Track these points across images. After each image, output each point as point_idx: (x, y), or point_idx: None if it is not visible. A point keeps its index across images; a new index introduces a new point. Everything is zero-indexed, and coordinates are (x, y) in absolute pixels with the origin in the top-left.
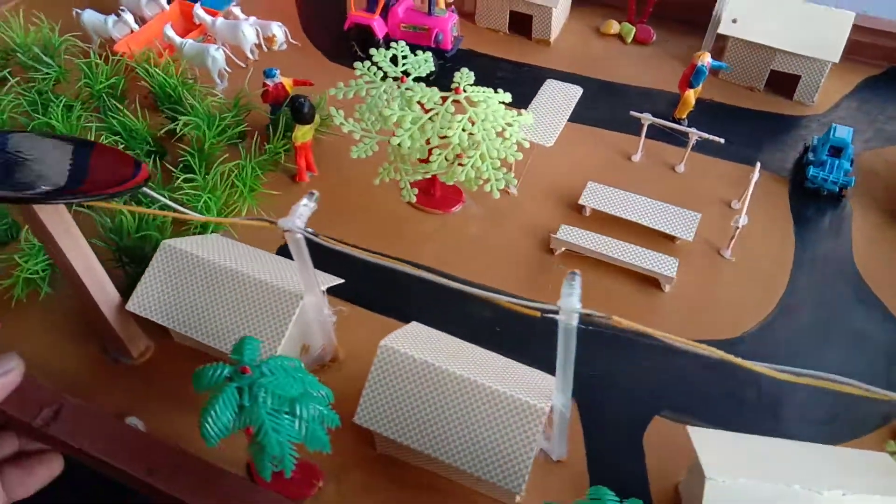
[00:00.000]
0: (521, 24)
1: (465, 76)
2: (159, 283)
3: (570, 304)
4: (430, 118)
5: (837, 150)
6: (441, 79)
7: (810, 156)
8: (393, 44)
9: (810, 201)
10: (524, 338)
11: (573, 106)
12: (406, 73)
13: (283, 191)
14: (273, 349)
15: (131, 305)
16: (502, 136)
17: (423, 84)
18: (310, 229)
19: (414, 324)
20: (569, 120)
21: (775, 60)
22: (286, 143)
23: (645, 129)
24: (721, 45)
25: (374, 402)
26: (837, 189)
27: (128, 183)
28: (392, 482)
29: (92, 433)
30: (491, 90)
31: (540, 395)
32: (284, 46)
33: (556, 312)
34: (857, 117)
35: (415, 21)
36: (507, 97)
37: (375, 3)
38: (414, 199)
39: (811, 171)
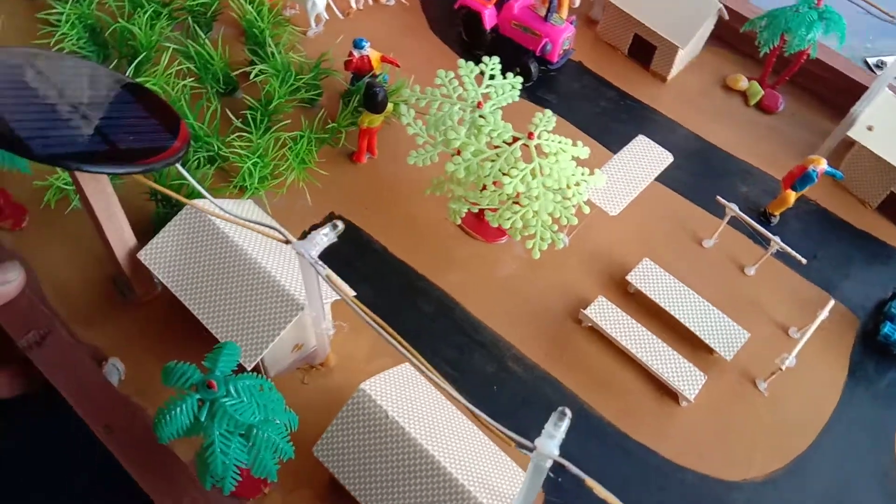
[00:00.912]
0: (642, 51)
1: (545, 120)
2: (174, 243)
3: (548, 449)
4: (492, 157)
5: None
6: (539, 86)
7: (893, 307)
8: (485, 60)
9: (875, 357)
10: (514, 404)
11: (655, 175)
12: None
13: (334, 170)
14: (258, 351)
15: (142, 255)
16: (564, 193)
17: (498, 116)
18: (321, 265)
19: (406, 366)
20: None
21: None
22: (352, 121)
23: (727, 218)
24: (846, 146)
25: (335, 440)
26: None
27: (162, 154)
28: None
29: (66, 373)
30: (568, 142)
31: (502, 494)
32: (392, 1)
33: (531, 451)
34: None
35: (528, 23)
36: (584, 152)
37: None
38: (459, 221)
39: (887, 327)
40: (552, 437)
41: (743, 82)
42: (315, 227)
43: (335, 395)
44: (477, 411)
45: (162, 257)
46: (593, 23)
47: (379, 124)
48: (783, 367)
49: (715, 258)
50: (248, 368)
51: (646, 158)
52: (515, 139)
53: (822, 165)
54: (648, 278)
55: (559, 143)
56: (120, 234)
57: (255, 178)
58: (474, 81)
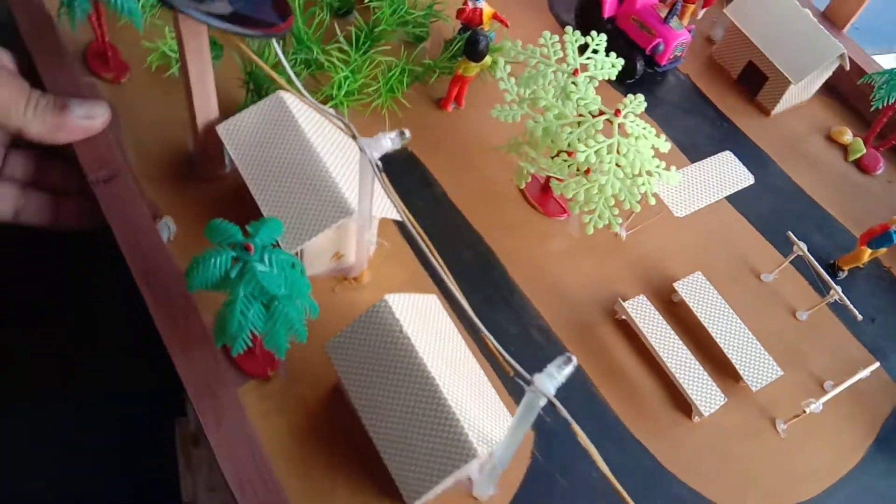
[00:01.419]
0: (752, 79)
1: (635, 103)
2: (253, 125)
3: (545, 387)
4: (573, 123)
5: None
6: (640, 86)
7: None
8: (592, 34)
9: None
10: (526, 368)
11: (731, 191)
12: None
13: (418, 110)
14: (299, 242)
15: (221, 128)
16: (634, 179)
17: (591, 88)
18: (379, 167)
19: (433, 297)
20: (727, 199)
21: None
22: (449, 67)
23: (793, 256)
24: None
25: (348, 342)
26: None
27: (265, 27)
28: (333, 410)
29: (121, 214)
30: (652, 131)
31: (488, 436)
32: None
33: (528, 383)
34: None
35: (646, 20)
36: (665, 146)
37: None
38: (523, 185)
39: None
40: (552, 378)
41: (847, 136)
42: (386, 156)
43: (359, 310)
44: (489, 335)
45: (238, 135)
46: (710, 42)
47: (473, 74)
48: (807, 410)
49: (769, 293)
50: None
51: (727, 174)
52: (601, 112)
53: None
54: (696, 291)
55: (643, 128)
56: (206, 102)
57: (343, 91)
58: (576, 50)
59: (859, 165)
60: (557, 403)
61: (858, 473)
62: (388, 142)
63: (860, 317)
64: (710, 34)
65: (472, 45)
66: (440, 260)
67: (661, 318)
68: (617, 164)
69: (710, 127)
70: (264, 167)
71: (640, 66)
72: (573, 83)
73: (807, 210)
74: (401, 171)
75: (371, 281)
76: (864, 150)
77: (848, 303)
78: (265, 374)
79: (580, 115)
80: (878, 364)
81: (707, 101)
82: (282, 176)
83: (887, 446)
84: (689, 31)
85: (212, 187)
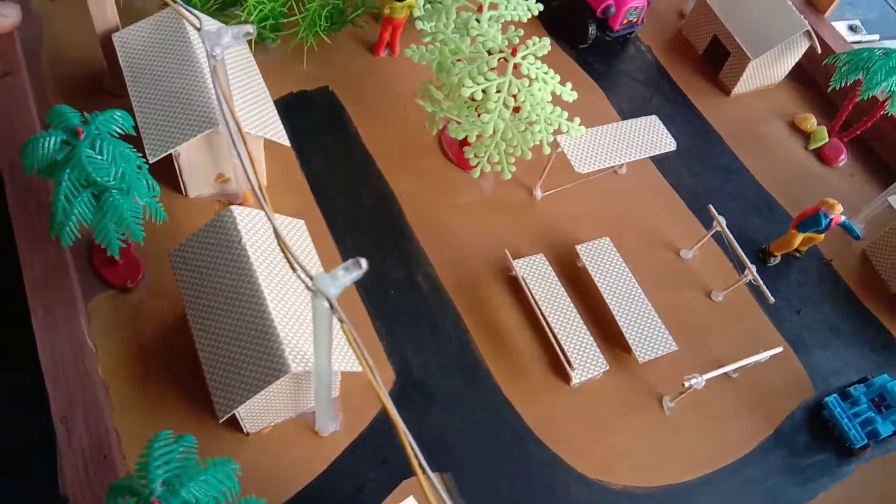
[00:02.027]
0: (716, 55)
1: (538, 45)
2: (147, 34)
3: (324, 287)
4: (468, 59)
5: (881, 405)
6: (595, 53)
7: (855, 390)
8: None
9: (812, 434)
10: (402, 313)
11: (646, 155)
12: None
13: (348, 51)
14: (158, 151)
15: (115, 37)
16: (528, 128)
17: (496, 27)
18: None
19: (300, 222)
20: (657, 168)
21: None
22: (377, 8)
23: (713, 231)
24: (885, 217)
25: (191, 251)
26: (852, 444)
27: None
28: (186, 324)
29: (8, 115)
30: (556, 77)
31: (304, 361)
32: None
33: (310, 281)
34: None
35: None
36: (571, 95)
37: None
38: (435, 132)
39: (832, 397)
40: (335, 279)
41: (811, 124)
42: (303, 93)
43: None
44: (286, 247)
45: (131, 46)
46: (682, 16)
47: (401, 17)
48: (685, 384)
49: (684, 270)
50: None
51: (647, 137)
52: (501, 52)
53: (836, 213)
54: (599, 257)
55: (544, 72)
56: (102, 10)
57: (254, 17)
58: None
59: (820, 155)
60: (335, 303)
61: (743, 466)
62: (228, 37)
63: (772, 298)
64: (683, 8)
65: None
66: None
67: (556, 279)
68: (505, 105)
69: (660, 99)
70: (148, 77)
71: (591, 29)
72: (476, 20)
73: (749, 193)
74: (318, 109)
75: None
76: (827, 140)
77: (760, 283)
78: (124, 283)
79: (476, 53)
80: (779, 349)
81: (666, 75)
82: (161, 85)
83: (783, 443)
84: None
85: (121, 103)
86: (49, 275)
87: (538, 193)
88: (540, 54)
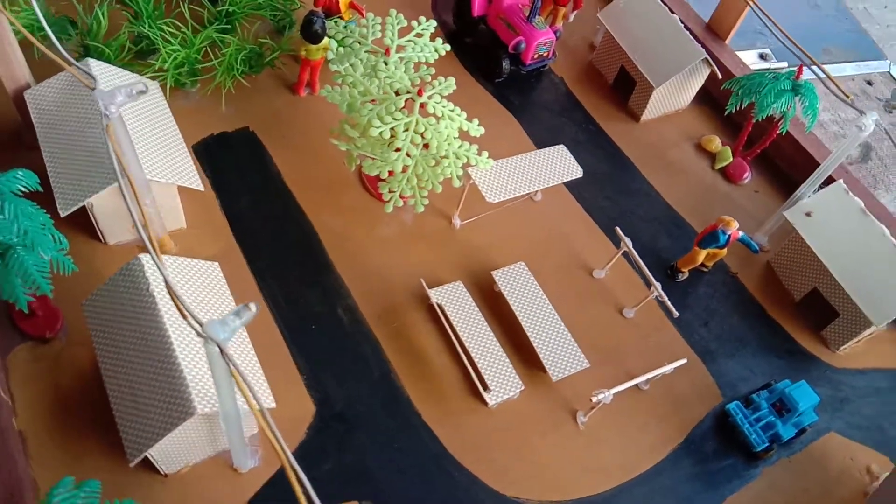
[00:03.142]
0: (624, 84)
1: (443, 84)
2: (57, 91)
3: (213, 332)
4: (377, 99)
5: (782, 409)
6: (510, 86)
7: (758, 396)
8: (421, 19)
9: (720, 440)
10: (326, 349)
11: (554, 183)
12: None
13: (269, 94)
14: (68, 205)
15: (27, 94)
16: (438, 163)
17: (403, 69)
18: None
19: (214, 265)
20: (572, 194)
21: (822, 283)
22: (293, 49)
23: (621, 252)
24: (786, 230)
25: (103, 299)
26: (753, 448)
27: None
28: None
29: None
30: (462, 114)
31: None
32: None
33: (200, 328)
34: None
35: (511, 18)
36: (478, 130)
37: None
38: (353, 168)
39: (734, 404)
40: (224, 325)
41: (716, 145)
42: (224, 135)
43: None
44: (176, 294)
45: (42, 102)
46: (593, 48)
47: (318, 58)
48: (593, 399)
49: (598, 290)
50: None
51: (554, 166)
52: (409, 93)
53: (733, 228)
54: (514, 281)
55: (451, 110)
56: (9, 67)
57: (171, 63)
58: (396, 32)
59: (726, 174)
60: (225, 349)
61: (655, 474)
62: (122, 96)
63: (676, 313)
64: (594, 40)
65: (307, 25)
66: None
67: (473, 305)
68: (413, 143)
69: (574, 129)
70: (59, 132)
71: (505, 65)
72: (384, 62)
73: (659, 214)
74: (239, 150)
75: (180, 251)
76: (731, 160)
77: (665, 298)
78: (43, 334)
79: (385, 94)
80: (684, 361)
81: (578, 105)
82: (71, 140)
83: (693, 450)
84: (555, 32)
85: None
86: None
87: (457, 222)
88: (445, 93)
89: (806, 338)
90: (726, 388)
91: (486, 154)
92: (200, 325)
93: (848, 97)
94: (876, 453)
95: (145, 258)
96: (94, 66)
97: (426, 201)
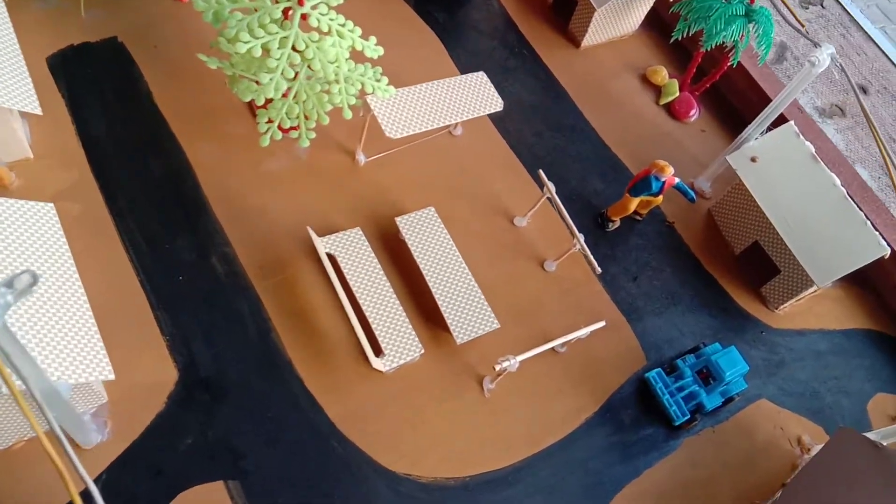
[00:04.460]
0: (566, 5)
1: None
2: None
3: None
4: (248, 9)
5: (708, 376)
6: (437, 1)
7: (682, 361)
8: None
9: (640, 409)
10: (195, 301)
11: (469, 117)
12: None
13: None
14: None
15: None
16: (327, 90)
17: None
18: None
19: (48, 207)
20: (496, 128)
21: (763, 236)
22: None
23: (544, 198)
24: (730, 176)
25: None
26: (676, 420)
27: None
28: None
29: None
30: (355, 30)
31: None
32: None
33: None
34: (820, 370)
35: None
36: (375, 51)
37: None
38: (235, 90)
39: (654, 371)
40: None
41: (663, 76)
42: (86, 45)
43: None
44: None
45: None
46: None
47: None
48: (496, 368)
49: (518, 240)
50: None
51: (471, 96)
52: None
53: (668, 174)
54: (420, 228)
55: (340, 24)
56: None
57: None
58: None
59: (671, 110)
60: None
61: (565, 446)
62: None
63: (598, 269)
64: None
65: None
66: None
67: (373, 256)
68: (292, 64)
69: (505, 53)
70: None
71: None
72: None
73: (594, 154)
74: (102, 65)
75: (21, 185)
76: (678, 94)
77: (588, 253)
78: None
79: (259, 1)
80: (602, 323)
81: (513, 26)
82: None
83: (609, 419)
84: None
85: None
86: None
87: (361, 159)
88: (333, 4)
89: (743, 295)
90: (651, 351)
91: (385, 80)
92: None
93: (802, 26)
94: (809, 423)
95: None
96: None
97: (312, 134)
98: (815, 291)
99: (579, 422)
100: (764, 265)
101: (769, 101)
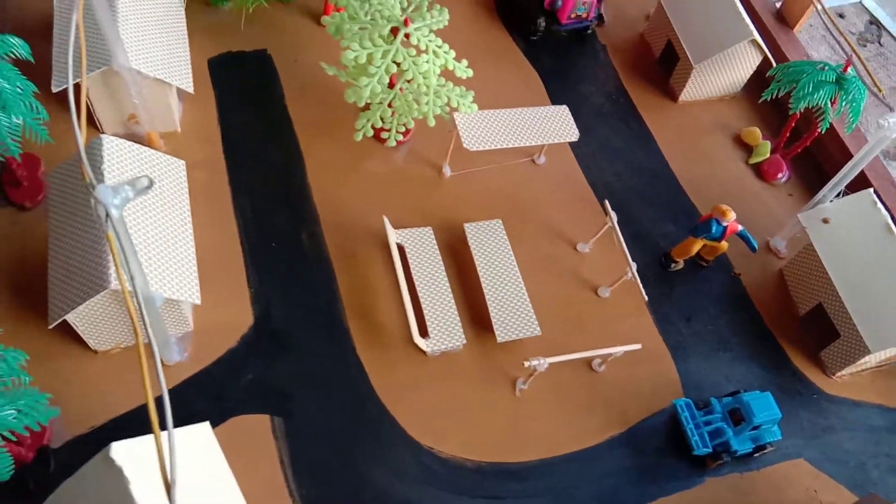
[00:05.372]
0: (669, 60)
1: (436, 18)
2: None
3: (104, 198)
4: (363, 24)
5: (740, 419)
6: (545, 47)
7: (713, 399)
8: None
9: (667, 439)
10: (280, 270)
11: (543, 143)
12: None
13: (294, 20)
14: (61, 83)
15: None
16: (416, 101)
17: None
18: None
19: (180, 163)
20: (579, 164)
21: (827, 298)
22: None
23: (606, 227)
24: (803, 239)
25: (64, 172)
26: (696, 449)
27: None
28: None
29: None
30: (450, 53)
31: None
32: None
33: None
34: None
35: None
36: (466, 72)
37: None
38: (352, 101)
39: (681, 403)
40: (118, 191)
41: (757, 137)
42: (241, 53)
43: None
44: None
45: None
46: (648, 19)
47: None
48: (526, 364)
49: (578, 264)
50: None
51: (549, 125)
52: (396, 31)
53: (729, 219)
54: (485, 237)
55: (437, 46)
56: None
57: None
58: None
59: (759, 170)
60: (112, 214)
61: (583, 457)
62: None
63: (646, 297)
64: (650, 12)
65: None
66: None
67: (437, 253)
68: (389, 73)
69: (602, 98)
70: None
71: (540, 21)
72: None
73: (670, 198)
74: (251, 69)
75: (167, 151)
76: (768, 155)
77: (638, 281)
78: (24, 203)
79: (373, 20)
80: (638, 346)
81: (614, 74)
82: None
83: (635, 443)
84: None
85: None
86: None
87: (446, 171)
88: (435, 27)
89: (800, 357)
90: (690, 389)
91: (470, 98)
92: (94, 186)
93: (881, 91)
94: (847, 492)
95: (106, 139)
96: None
97: (399, 136)
98: (882, 365)
99: (603, 438)
100: (825, 328)
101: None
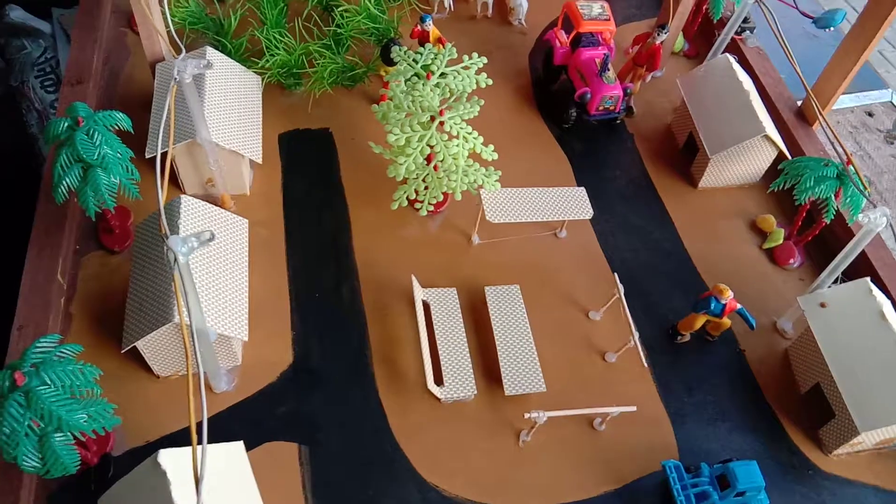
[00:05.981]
0: (691, 150)
1: (466, 109)
2: None
3: (175, 246)
4: (406, 113)
5: (727, 485)
6: (577, 134)
7: (703, 464)
8: (475, 54)
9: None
10: (318, 322)
11: (559, 219)
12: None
13: (357, 107)
14: (152, 150)
15: (159, 66)
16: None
17: (438, 92)
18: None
19: (243, 221)
20: (598, 240)
21: (824, 379)
22: (374, 71)
23: (614, 297)
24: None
25: (147, 228)
26: None
27: None
28: None
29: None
30: (478, 138)
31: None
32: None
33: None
34: None
35: (584, 70)
36: (492, 155)
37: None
38: (392, 175)
39: (669, 465)
40: (185, 242)
41: (772, 224)
42: (307, 130)
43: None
44: (164, 215)
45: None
46: (675, 111)
47: None
48: (526, 416)
49: (586, 329)
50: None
51: (566, 203)
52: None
53: (726, 297)
54: (503, 300)
55: (468, 132)
56: (152, 44)
57: (272, 63)
58: (445, 62)
59: (772, 255)
60: (179, 258)
61: None
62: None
63: (646, 364)
64: (678, 105)
65: (385, 51)
66: None
67: (458, 312)
68: (423, 155)
69: (625, 181)
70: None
71: (572, 112)
72: (422, 84)
73: (683, 276)
74: (314, 144)
75: (235, 210)
76: (781, 241)
77: (640, 349)
78: (114, 248)
79: (415, 110)
80: (633, 408)
81: (639, 161)
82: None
83: (626, 500)
84: (625, 89)
85: None
86: (50, 229)
87: (475, 240)
88: (467, 117)
89: (798, 433)
90: (686, 454)
91: (494, 178)
92: (167, 236)
93: (866, 188)
94: None
95: (185, 198)
96: (210, 53)
97: (431, 207)
98: (880, 449)
99: (597, 492)
100: (823, 408)
101: (864, 255)
